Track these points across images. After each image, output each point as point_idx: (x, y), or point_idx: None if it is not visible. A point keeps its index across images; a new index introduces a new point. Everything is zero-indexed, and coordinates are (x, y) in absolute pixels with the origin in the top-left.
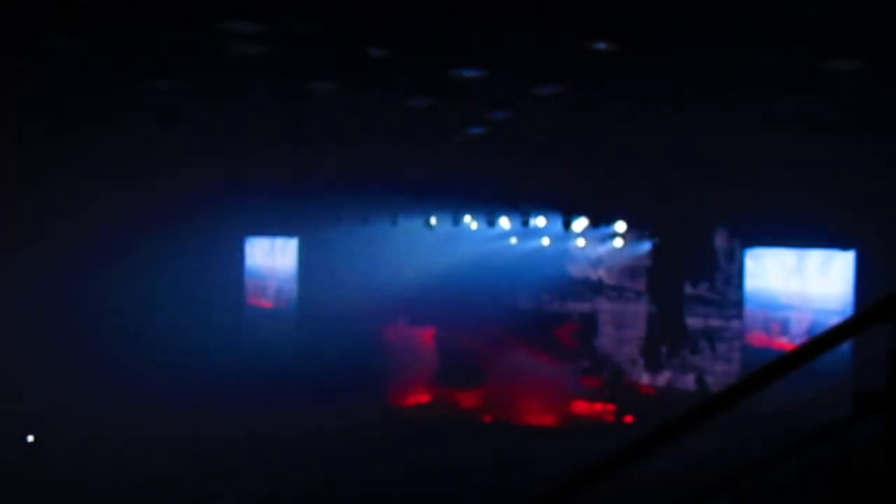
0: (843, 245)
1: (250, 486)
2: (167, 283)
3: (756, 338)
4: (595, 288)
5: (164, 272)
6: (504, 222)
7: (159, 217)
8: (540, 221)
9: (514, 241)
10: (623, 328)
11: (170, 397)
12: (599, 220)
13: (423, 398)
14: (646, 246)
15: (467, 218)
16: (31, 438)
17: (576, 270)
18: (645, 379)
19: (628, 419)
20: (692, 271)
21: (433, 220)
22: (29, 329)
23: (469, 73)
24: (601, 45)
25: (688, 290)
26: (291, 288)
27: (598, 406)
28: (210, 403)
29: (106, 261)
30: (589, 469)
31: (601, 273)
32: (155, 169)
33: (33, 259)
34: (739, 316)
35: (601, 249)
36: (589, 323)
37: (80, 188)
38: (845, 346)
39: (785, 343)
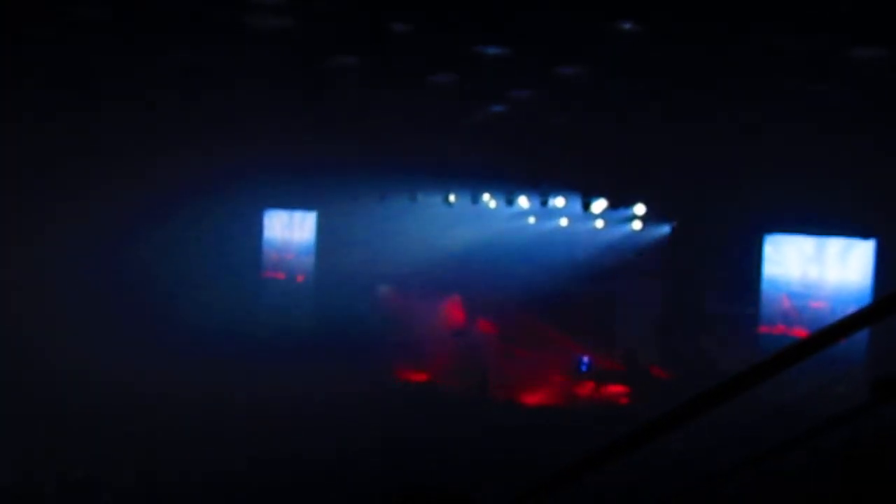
0: (863, 234)
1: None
2: (191, 253)
3: (772, 324)
4: (612, 270)
5: (189, 242)
6: (523, 201)
7: (184, 190)
8: (559, 202)
9: (532, 220)
10: (638, 311)
11: (189, 359)
12: (618, 202)
13: (433, 372)
14: (664, 229)
15: (486, 196)
16: None
17: (593, 252)
18: (659, 362)
19: (624, 401)
20: (710, 256)
21: (452, 198)
22: (66, 291)
23: (492, 51)
24: (626, 26)
25: (705, 275)
26: (309, 260)
27: (611, 388)
28: (226, 368)
29: (138, 230)
30: (595, 453)
31: (619, 255)
32: (179, 142)
33: (69, 230)
34: (756, 302)
35: (620, 231)
36: (604, 305)
37: (105, 168)
38: (861, 335)
39: (801, 330)
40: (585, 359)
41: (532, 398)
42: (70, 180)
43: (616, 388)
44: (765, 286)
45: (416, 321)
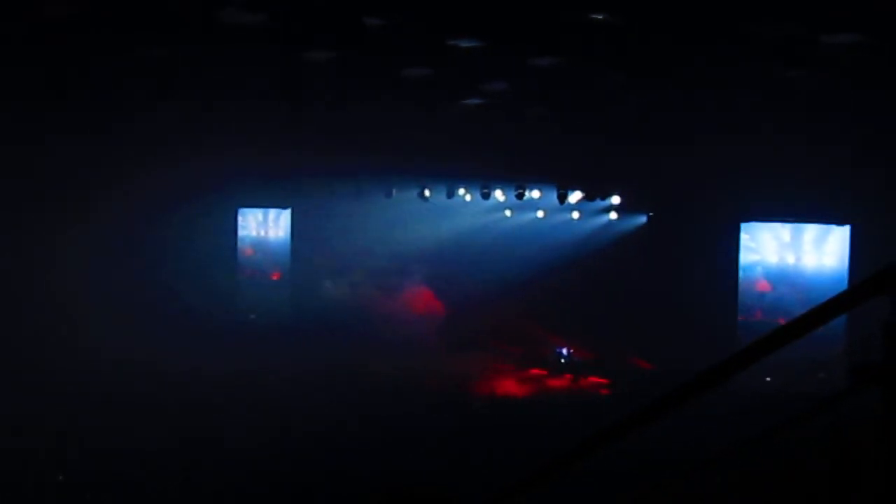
0: (838, 220)
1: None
2: (164, 253)
3: (750, 312)
4: (590, 260)
5: (162, 242)
6: (499, 195)
7: (158, 191)
8: (535, 194)
9: (508, 213)
10: (618, 301)
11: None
12: (595, 193)
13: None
14: (641, 219)
15: (461, 190)
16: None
17: (571, 243)
18: (639, 353)
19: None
20: (686, 245)
21: (427, 193)
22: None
23: (465, 44)
24: (598, 16)
25: (683, 263)
26: (284, 257)
27: (591, 379)
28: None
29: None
30: (576, 445)
31: (596, 246)
32: (152, 142)
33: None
34: (734, 289)
35: (596, 222)
36: (582, 296)
37: (79, 170)
38: (839, 321)
39: (779, 318)
40: (564, 350)
41: (510, 391)
42: (51, 184)
43: (596, 380)
44: (742, 274)
45: (391, 315)
